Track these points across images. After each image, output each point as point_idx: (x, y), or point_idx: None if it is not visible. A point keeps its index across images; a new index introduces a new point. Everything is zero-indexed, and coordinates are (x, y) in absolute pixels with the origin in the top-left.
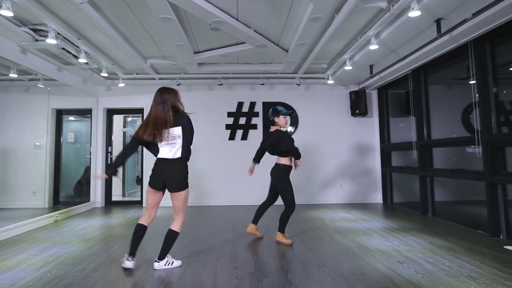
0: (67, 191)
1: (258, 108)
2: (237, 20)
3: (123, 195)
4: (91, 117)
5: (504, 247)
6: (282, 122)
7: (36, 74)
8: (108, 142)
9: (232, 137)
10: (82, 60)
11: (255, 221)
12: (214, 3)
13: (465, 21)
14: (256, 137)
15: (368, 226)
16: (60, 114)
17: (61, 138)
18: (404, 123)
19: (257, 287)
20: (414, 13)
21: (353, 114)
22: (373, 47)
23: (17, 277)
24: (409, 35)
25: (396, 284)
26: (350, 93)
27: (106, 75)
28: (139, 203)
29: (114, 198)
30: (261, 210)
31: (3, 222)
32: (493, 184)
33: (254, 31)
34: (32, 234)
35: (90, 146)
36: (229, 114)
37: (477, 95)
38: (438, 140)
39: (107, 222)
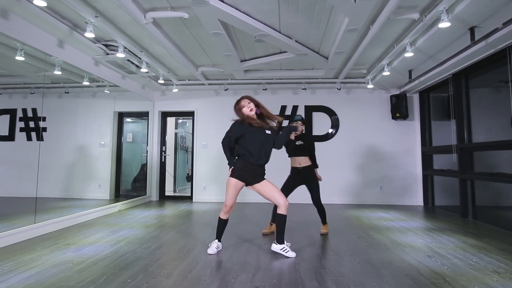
0: (126, 185)
1: (301, 111)
2: (280, 32)
3: (174, 191)
4: (147, 119)
5: None
6: (299, 128)
7: (102, 82)
8: (163, 142)
9: None
10: (144, 69)
11: (274, 220)
12: (259, 19)
13: (496, 29)
14: None
15: (404, 225)
16: (121, 116)
17: (122, 138)
18: (446, 127)
19: (295, 268)
20: (445, 24)
21: (394, 117)
22: (409, 54)
23: (99, 250)
24: (444, 42)
25: (420, 273)
26: (391, 96)
27: (162, 81)
28: (189, 198)
29: (167, 193)
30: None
31: (79, 209)
32: None
33: (296, 41)
34: (102, 219)
35: (147, 145)
36: None
37: None
38: (478, 144)
39: (162, 213)
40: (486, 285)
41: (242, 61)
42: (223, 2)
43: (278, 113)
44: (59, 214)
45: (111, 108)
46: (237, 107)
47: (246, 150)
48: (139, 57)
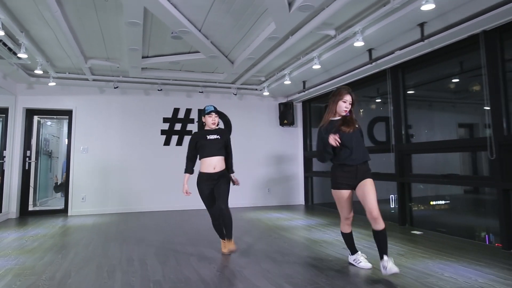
0: None
1: (194, 115)
2: (199, 31)
3: (34, 204)
4: (5, 117)
5: (412, 232)
6: (208, 122)
7: None
8: (27, 145)
9: (167, 142)
10: (22, 55)
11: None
12: (186, 14)
13: (391, 52)
14: None
15: (304, 223)
16: None
17: None
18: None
19: (234, 276)
20: (358, 43)
21: (282, 124)
22: (316, 66)
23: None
24: (345, 59)
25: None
26: (279, 104)
27: (41, 72)
28: (62, 211)
29: (30, 208)
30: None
31: None
32: (402, 184)
33: (211, 42)
34: None
35: (5, 149)
36: (165, 120)
37: (392, 110)
38: None
39: (39, 233)
40: (403, 266)
41: (144, 57)
42: None
43: (170, 116)
44: None
45: None
46: (337, 98)
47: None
48: (16, 39)
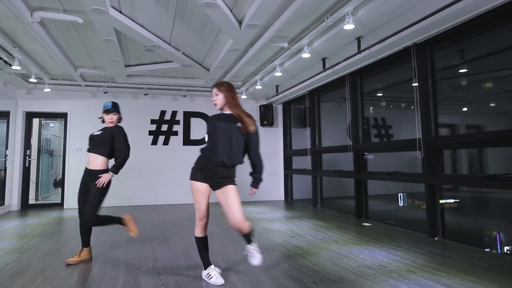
0: None
1: (179, 117)
2: (169, 44)
3: (37, 198)
4: (7, 120)
5: (363, 224)
6: (105, 119)
7: None
8: (27, 145)
9: (154, 142)
10: (16, 67)
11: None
12: (153, 31)
13: (343, 60)
14: (176, 142)
15: (271, 216)
16: None
17: None
18: (302, 133)
19: (190, 259)
20: (306, 55)
21: (262, 124)
22: (278, 74)
23: None
24: (304, 67)
25: (286, 248)
26: (260, 106)
27: (35, 80)
28: (59, 205)
29: (30, 202)
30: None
31: None
32: (358, 181)
33: (183, 53)
34: None
35: (7, 149)
36: (152, 121)
37: (350, 113)
38: (325, 148)
39: (33, 222)
40: (330, 251)
41: (126, 66)
42: (121, 13)
43: (157, 118)
44: None
45: None
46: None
47: None
48: (10, 53)
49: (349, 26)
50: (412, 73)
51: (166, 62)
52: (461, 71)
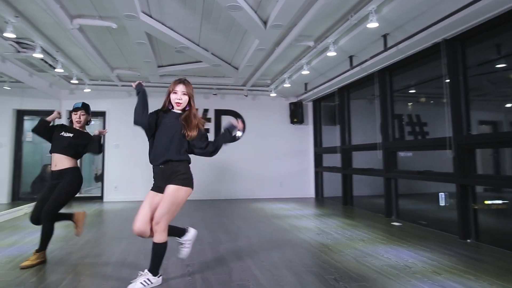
0: (26, 187)
1: (211, 115)
2: (198, 45)
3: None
4: None
5: (392, 223)
6: (73, 119)
7: (1, 77)
8: None
9: None
10: (59, 69)
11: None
12: (182, 33)
13: (370, 58)
14: None
15: (299, 213)
16: (20, 115)
17: (22, 137)
18: (332, 131)
19: (217, 253)
20: (331, 53)
21: (292, 122)
22: (305, 72)
23: (22, 250)
24: (331, 65)
25: (311, 244)
26: (290, 104)
27: (76, 82)
28: (99, 198)
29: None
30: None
31: None
32: (388, 179)
33: (212, 53)
34: (10, 223)
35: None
36: None
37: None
38: (356, 145)
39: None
40: (355, 249)
41: (159, 66)
42: (151, 17)
43: None
44: None
45: (9, 106)
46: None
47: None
48: (54, 57)
49: (373, 25)
50: (444, 69)
51: (196, 62)
52: (498, 66)
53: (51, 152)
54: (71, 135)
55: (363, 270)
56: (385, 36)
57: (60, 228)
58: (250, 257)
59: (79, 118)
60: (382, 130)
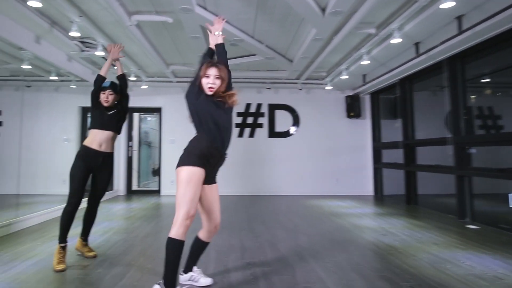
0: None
1: (264, 109)
2: (253, 38)
3: (138, 185)
4: None
5: (466, 226)
6: (101, 98)
7: (68, 76)
8: (129, 137)
9: (240, 134)
10: None
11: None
12: (236, 25)
13: (440, 44)
14: (262, 135)
15: (360, 212)
16: (86, 112)
17: (86, 133)
18: (393, 125)
19: (277, 251)
20: (396, 40)
21: (348, 116)
22: (365, 62)
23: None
24: (394, 53)
25: (379, 247)
26: (346, 97)
27: (134, 78)
28: (156, 192)
29: (133, 188)
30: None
31: (48, 204)
32: (461, 177)
33: (266, 46)
34: (77, 213)
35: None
36: (238, 114)
37: (449, 103)
38: (420, 140)
39: (136, 206)
40: (428, 253)
41: None
42: (206, 10)
43: (243, 111)
44: (28, 210)
45: (75, 103)
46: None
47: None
48: None
49: (448, 4)
50: None
51: (249, 55)
52: None
53: (93, 127)
54: (114, 110)
55: (444, 279)
56: (459, 18)
57: (122, 220)
58: (312, 257)
59: (107, 97)
60: (453, 123)
